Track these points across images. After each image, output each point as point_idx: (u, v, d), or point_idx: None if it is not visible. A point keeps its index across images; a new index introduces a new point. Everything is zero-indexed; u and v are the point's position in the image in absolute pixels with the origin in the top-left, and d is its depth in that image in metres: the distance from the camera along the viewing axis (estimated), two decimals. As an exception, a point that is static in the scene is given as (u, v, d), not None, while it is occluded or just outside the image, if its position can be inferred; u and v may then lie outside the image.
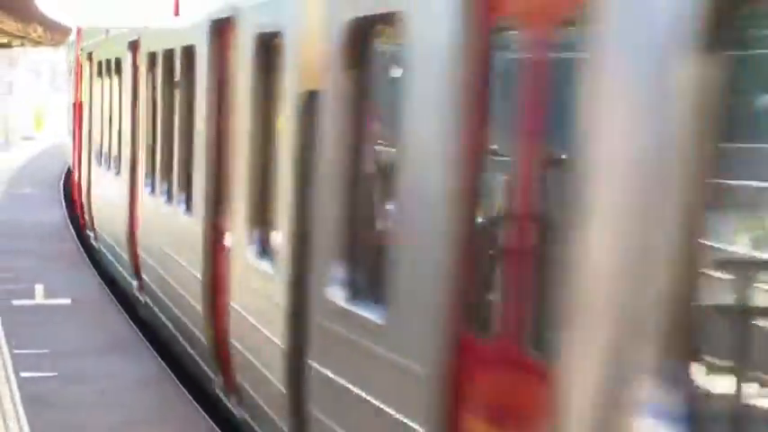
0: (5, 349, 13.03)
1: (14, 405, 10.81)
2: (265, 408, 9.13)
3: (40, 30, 48.51)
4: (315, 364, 7.73)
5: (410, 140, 6.35)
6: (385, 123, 7.08)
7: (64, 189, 32.31)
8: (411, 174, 6.31)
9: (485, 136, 5.76)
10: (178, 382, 11.87)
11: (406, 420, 6.15)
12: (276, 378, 8.73)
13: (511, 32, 5.56)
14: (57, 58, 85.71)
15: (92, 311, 15.39)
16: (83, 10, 28.85)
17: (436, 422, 5.87)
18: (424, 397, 5.98)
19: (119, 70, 18.34)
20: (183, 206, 12.91)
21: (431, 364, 5.94)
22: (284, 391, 8.53)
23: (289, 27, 8.84)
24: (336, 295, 7.43)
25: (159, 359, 12.86)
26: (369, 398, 6.74)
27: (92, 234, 21.27)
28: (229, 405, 10.56)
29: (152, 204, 14.81)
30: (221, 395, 10.82)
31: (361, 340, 6.92)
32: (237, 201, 10.24)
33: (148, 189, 15.14)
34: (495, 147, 5.74)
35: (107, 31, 20.96)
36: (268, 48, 9.53)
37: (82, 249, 21.21)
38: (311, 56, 8.24)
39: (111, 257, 18.52)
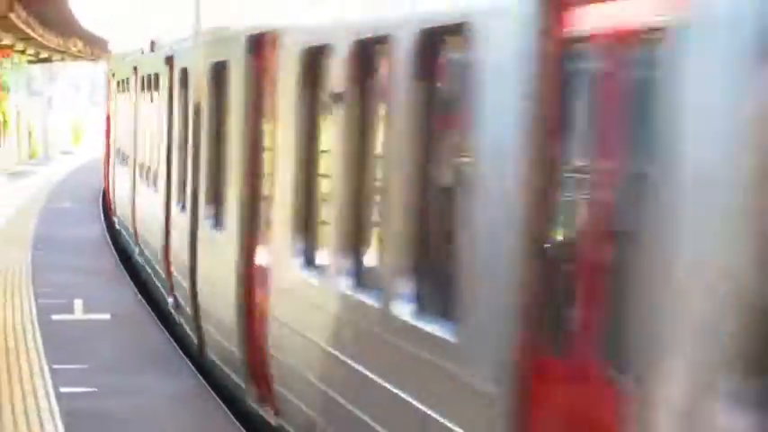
0: (45, 364, 13.12)
1: (54, 420, 10.89)
2: (185, 306, 14.46)
3: (79, 44, 48.89)
4: (199, 269, 13.48)
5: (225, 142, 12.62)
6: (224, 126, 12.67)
7: (102, 204, 32.51)
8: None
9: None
10: (216, 398, 11.92)
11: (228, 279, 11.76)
12: (186, 283, 14.06)
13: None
14: (95, 73, 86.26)
15: (131, 327, 15.47)
16: (118, 28, 30.63)
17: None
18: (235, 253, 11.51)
19: (128, 88, 24.02)
20: (153, 187, 18.40)
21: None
22: (189, 290, 13.94)
23: (191, 65, 15.08)
24: (207, 224, 12.89)
25: (198, 374, 12.91)
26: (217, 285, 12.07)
27: (116, 219, 25.80)
28: (175, 315, 15.63)
29: (141, 188, 20.34)
30: (172, 311, 15.80)
31: (223, 252, 12.02)
32: (175, 178, 15.93)
33: (140, 177, 20.72)
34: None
35: (124, 57, 26.04)
36: (185, 76, 15.43)
37: (121, 264, 21.33)
38: (199, 83, 14.10)
39: (125, 235, 23.37)
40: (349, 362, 8.20)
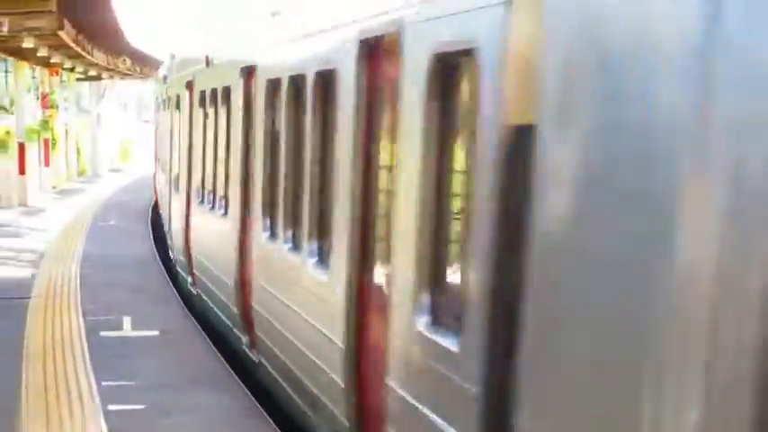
0: (93, 381, 13.08)
1: (102, 437, 10.82)
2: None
3: (128, 62, 49.14)
4: (172, 221, 23.56)
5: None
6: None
7: (151, 221, 32.57)
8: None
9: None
10: (267, 416, 11.82)
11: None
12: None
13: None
14: (143, 91, 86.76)
15: (179, 343, 15.43)
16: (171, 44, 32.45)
17: None
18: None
19: (160, 107, 31.95)
20: (166, 180, 26.48)
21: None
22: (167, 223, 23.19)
23: (172, 95, 24.57)
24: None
25: (248, 392, 12.83)
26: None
27: (161, 213, 31.35)
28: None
29: (164, 183, 27.89)
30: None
31: (178, 208, 22.09)
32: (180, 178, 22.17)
33: (164, 176, 28.66)
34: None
35: (159, 81, 34.58)
36: (170, 101, 25.34)
37: (169, 281, 21.33)
38: (174, 103, 24.01)
39: (162, 219, 29.72)
40: (212, 241, 16.95)
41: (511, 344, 5.80)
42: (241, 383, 13.24)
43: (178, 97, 22.92)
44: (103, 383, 12.96)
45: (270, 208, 12.63)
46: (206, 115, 18.09)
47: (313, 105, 10.50)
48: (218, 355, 14.82)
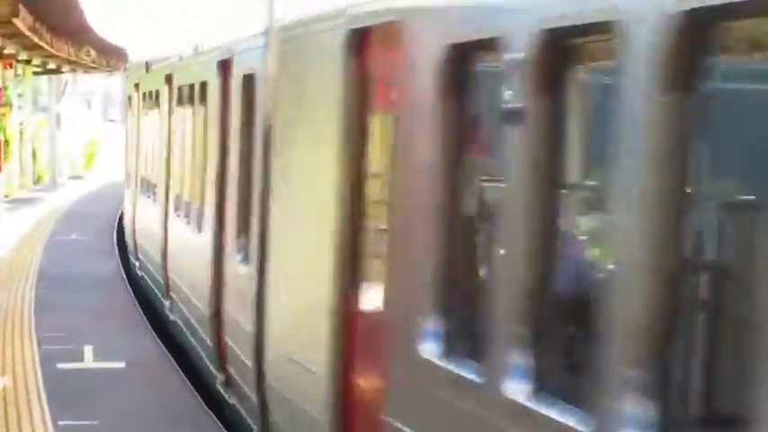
0: (49, 421, 13.04)
1: (58, 485, 10.78)
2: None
3: (93, 54, 49.13)
4: (123, 215, 31.55)
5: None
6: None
7: (117, 236, 32.55)
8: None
9: None
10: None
11: None
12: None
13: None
14: (110, 86, 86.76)
15: (148, 377, 15.40)
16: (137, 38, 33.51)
17: None
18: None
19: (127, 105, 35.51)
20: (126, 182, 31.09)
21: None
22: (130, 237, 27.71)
23: (126, 94, 31.30)
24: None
25: (224, 431, 12.80)
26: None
27: None
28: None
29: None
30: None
31: (128, 205, 28.96)
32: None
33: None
34: None
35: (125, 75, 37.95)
36: (127, 101, 30.21)
37: (137, 304, 21.29)
38: (128, 103, 30.19)
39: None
40: (149, 226, 22.48)
41: (264, 263, 11.47)
42: (217, 421, 13.20)
43: (130, 98, 28.74)
44: (60, 423, 12.93)
45: (178, 191, 18.82)
46: (147, 115, 24.36)
47: (199, 109, 16.54)
48: (192, 389, 14.79)
